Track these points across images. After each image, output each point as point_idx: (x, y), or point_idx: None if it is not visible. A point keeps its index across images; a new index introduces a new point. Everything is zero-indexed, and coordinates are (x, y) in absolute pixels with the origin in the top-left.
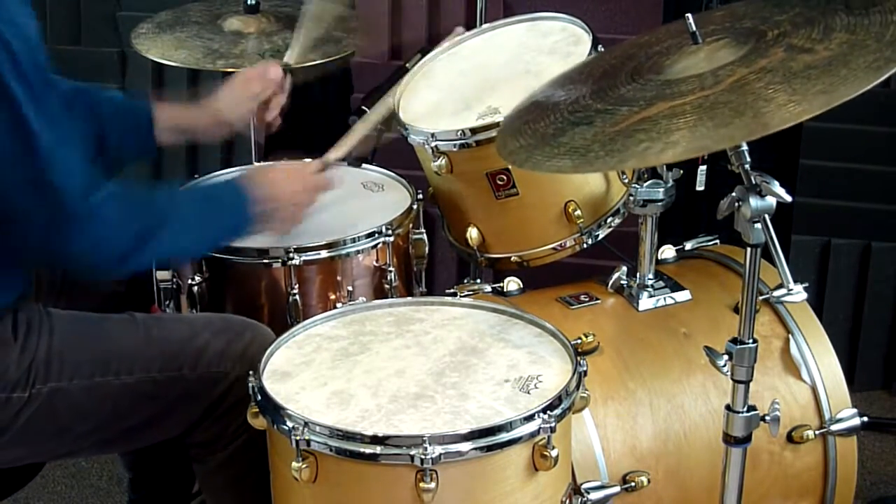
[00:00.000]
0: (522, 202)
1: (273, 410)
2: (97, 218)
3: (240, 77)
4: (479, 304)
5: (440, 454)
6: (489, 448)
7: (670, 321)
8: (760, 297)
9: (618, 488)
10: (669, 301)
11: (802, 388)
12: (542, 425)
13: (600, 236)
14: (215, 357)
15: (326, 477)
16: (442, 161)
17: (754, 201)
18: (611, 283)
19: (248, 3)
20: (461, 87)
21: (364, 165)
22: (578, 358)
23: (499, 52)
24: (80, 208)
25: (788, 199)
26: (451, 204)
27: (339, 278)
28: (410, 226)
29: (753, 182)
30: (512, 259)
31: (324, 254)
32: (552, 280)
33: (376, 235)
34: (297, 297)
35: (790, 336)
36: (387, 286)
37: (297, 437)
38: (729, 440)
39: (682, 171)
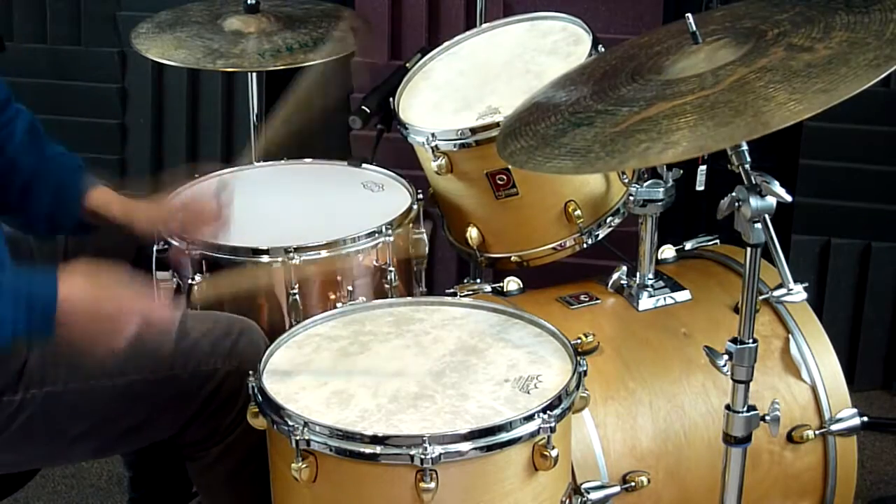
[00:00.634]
0: (522, 202)
1: (273, 410)
2: None
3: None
4: (479, 304)
5: (440, 454)
6: (489, 448)
7: (670, 321)
8: (760, 297)
9: (618, 488)
10: (669, 301)
11: (802, 388)
12: (542, 425)
13: (600, 236)
14: (206, 355)
15: (326, 477)
16: (442, 161)
17: (754, 201)
18: (611, 283)
19: (248, 2)
20: (461, 86)
21: (364, 165)
22: (578, 358)
23: (499, 51)
24: None
25: (788, 198)
26: (451, 204)
27: (339, 278)
28: (410, 226)
29: (753, 182)
30: (512, 259)
31: (324, 254)
32: (552, 280)
33: (376, 235)
34: (297, 297)
35: (790, 336)
36: (387, 286)
37: (297, 437)
38: (729, 440)
39: (682, 171)
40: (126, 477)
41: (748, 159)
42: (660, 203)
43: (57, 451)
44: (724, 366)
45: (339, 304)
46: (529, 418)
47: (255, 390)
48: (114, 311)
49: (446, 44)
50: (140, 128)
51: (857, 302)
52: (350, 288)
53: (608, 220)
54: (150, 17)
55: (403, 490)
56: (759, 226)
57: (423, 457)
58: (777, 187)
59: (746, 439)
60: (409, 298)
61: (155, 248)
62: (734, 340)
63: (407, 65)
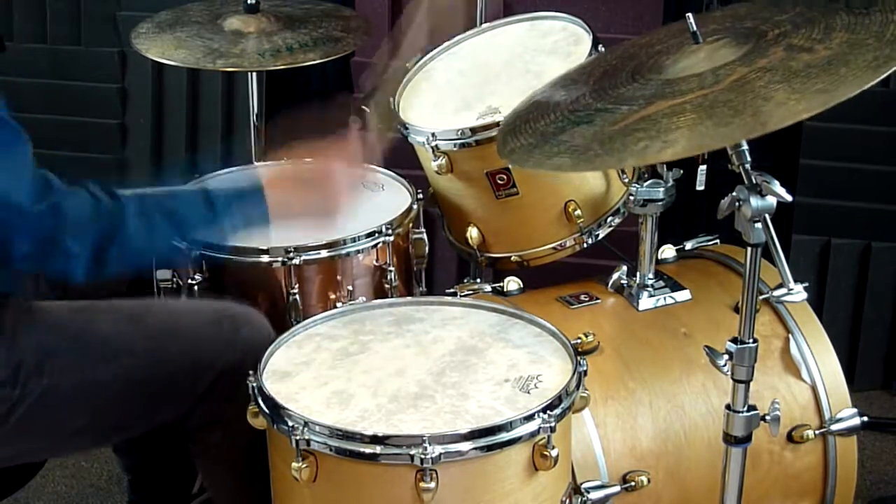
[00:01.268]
0: (522, 202)
1: (273, 410)
2: (49, 216)
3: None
4: (479, 304)
5: (440, 454)
6: (489, 448)
7: (670, 321)
8: (760, 297)
9: (618, 488)
10: (669, 301)
11: (802, 388)
12: (542, 425)
13: (600, 236)
14: (207, 342)
15: (326, 477)
16: (442, 161)
17: (754, 201)
18: (611, 282)
19: (248, 2)
20: (461, 86)
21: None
22: (578, 357)
23: (499, 51)
24: (28, 208)
25: (789, 198)
26: (451, 204)
27: (339, 278)
28: (410, 225)
29: (754, 182)
30: (512, 259)
31: (324, 253)
32: (552, 280)
33: (376, 235)
34: (297, 296)
35: (790, 336)
36: (387, 286)
37: (297, 437)
38: (729, 440)
39: (682, 171)
40: (125, 479)
41: (748, 159)
42: (660, 203)
43: (57, 442)
44: (725, 366)
45: (339, 304)
46: (529, 418)
47: (255, 390)
48: (321, 190)
49: (446, 44)
50: (140, 128)
51: (857, 302)
52: (350, 288)
53: (608, 220)
54: (150, 17)
55: (403, 490)
56: (759, 226)
57: (423, 457)
58: (777, 187)
59: (746, 439)
60: (409, 298)
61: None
62: (734, 340)
63: (407, 65)
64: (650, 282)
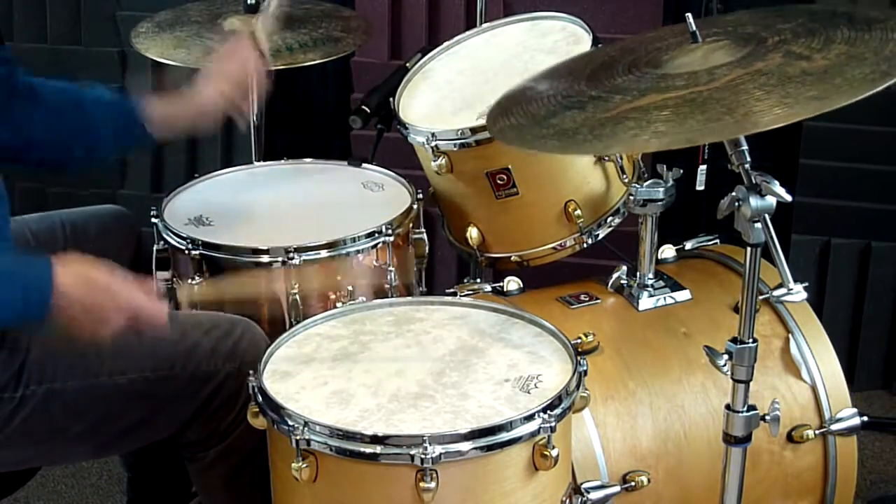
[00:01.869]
0: (522, 202)
1: (273, 410)
2: None
3: (216, 61)
4: (479, 304)
5: (440, 454)
6: (489, 448)
7: (670, 321)
8: (760, 297)
9: (618, 488)
10: (669, 301)
11: (802, 388)
12: (543, 425)
13: (600, 236)
14: (206, 355)
15: (327, 477)
16: (442, 161)
17: (754, 201)
18: (611, 282)
19: (248, 2)
20: (461, 86)
21: (364, 165)
22: (578, 357)
23: (498, 51)
24: None
25: (788, 198)
26: (451, 204)
27: (339, 278)
28: (410, 225)
29: (753, 182)
30: (512, 259)
31: (324, 254)
32: (552, 280)
33: (376, 235)
34: (297, 297)
35: (790, 336)
36: (387, 286)
37: (297, 437)
38: (729, 440)
39: (682, 171)
40: (125, 477)
41: (748, 159)
42: (660, 203)
43: (57, 449)
44: (724, 366)
45: (339, 304)
46: (530, 418)
47: (256, 390)
48: (105, 301)
49: (446, 44)
50: None
51: (857, 302)
52: (350, 288)
53: (608, 220)
54: (150, 16)
55: (403, 490)
56: (759, 225)
57: (423, 456)
58: (777, 187)
59: (746, 439)
60: (409, 298)
61: (155, 247)
62: (734, 340)
63: (407, 65)
64: (650, 282)
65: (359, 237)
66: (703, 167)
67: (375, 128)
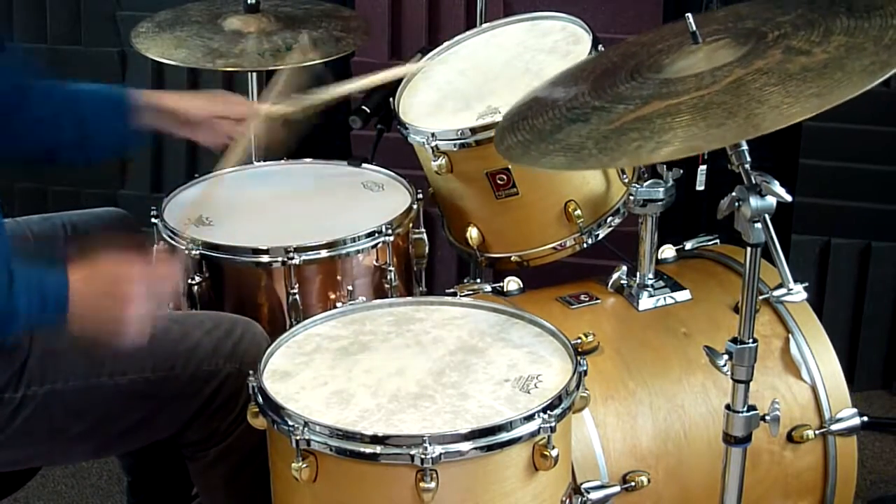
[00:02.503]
0: (522, 202)
1: (273, 410)
2: None
3: (217, 95)
4: (479, 304)
5: (440, 454)
6: (489, 448)
7: (670, 321)
8: (760, 297)
9: (618, 488)
10: (669, 301)
11: (802, 388)
12: (542, 425)
13: (600, 236)
14: (206, 355)
15: (327, 477)
16: (442, 161)
17: (754, 201)
18: (611, 282)
19: (248, 2)
20: (461, 86)
21: (364, 165)
22: (578, 357)
23: (499, 51)
24: None
25: (788, 198)
26: (451, 204)
27: (339, 278)
28: (410, 226)
29: (753, 182)
30: (512, 259)
31: (324, 254)
32: (552, 280)
33: (376, 235)
34: (297, 297)
35: (790, 336)
36: (387, 286)
37: (298, 437)
38: (729, 440)
39: (682, 171)
40: (125, 480)
41: (748, 159)
42: (660, 203)
43: (58, 449)
44: (724, 366)
45: (339, 304)
46: (530, 418)
47: (255, 390)
48: (121, 291)
49: (446, 44)
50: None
51: (857, 302)
52: (350, 288)
53: (608, 220)
54: (150, 16)
55: (404, 490)
56: (759, 226)
57: (423, 456)
58: (777, 187)
59: (746, 439)
60: (409, 298)
61: (155, 248)
62: (734, 340)
63: (407, 64)
64: (650, 282)
65: (359, 237)
66: (703, 167)
67: (375, 128)
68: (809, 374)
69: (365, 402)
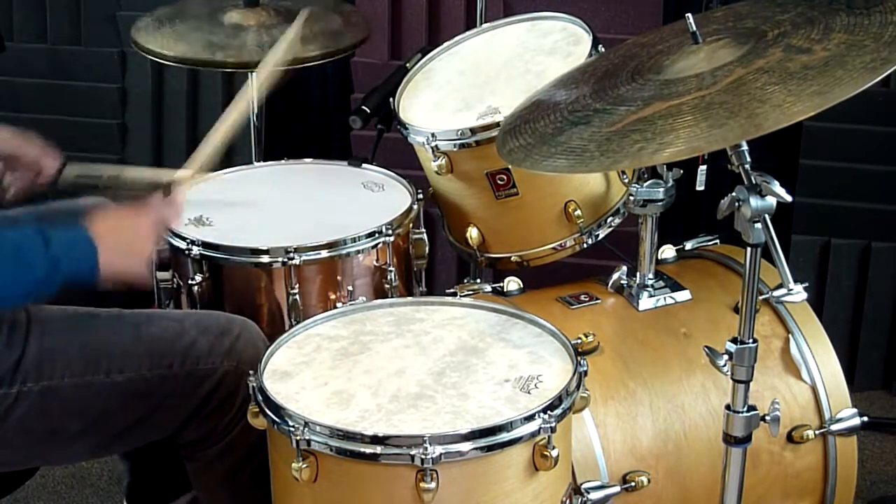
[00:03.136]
0: (522, 202)
1: (273, 410)
2: None
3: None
4: (479, 304)
5: (440, 454)
6: (489, 448)
7: (670, 321)
8: (760, 297)
9: (618, 488)
10: (669, 301)
11: (802, 388)
12: (543, 425)
13: (600, 236)
14: (204, 354)
15: (327, 477)
16: (442, 161)
17: (754, 201)
18: (611, 283)
19: None
20: (461, 86)
21: (364, 165)
22: (578, 358)
23: (499, 51)
24: None
25: (788, 199)
26: (451, 204)
27: (339, 278)
28: (410, 226)
29: (753, 182)
30: (512, 259)
31: (324, 254)
32: (552, 280)
33: (376, 235)
34: (297, 297)
35: (790, 336)
36: (387, 286)
37: (298, 437)
38: (729, 440)
39: (682, 171)
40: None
41: (748, 159)
42: (660, 203)
43: (55, 448)
44: (724, 366)
45: (339, 304)
46: (530, 418)
47: (256, 390)
48: (135, 224)
49: (446, 44)
50: (140, 128)
51: (857, 302)
52: (350, 288)
53: (608, 220)
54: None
55: (404, 490)
56: (759, 226)
57: (423, 457)
58: (777, 187)
59: (746, 439)
60: (409, 298)
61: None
62: (734, 340)
63: (407, 65)
64: (650, 282)
65: (359, 237)
66: (703, 167)
67: (375, 128)
68: (809, 375)
69: (365, 402)
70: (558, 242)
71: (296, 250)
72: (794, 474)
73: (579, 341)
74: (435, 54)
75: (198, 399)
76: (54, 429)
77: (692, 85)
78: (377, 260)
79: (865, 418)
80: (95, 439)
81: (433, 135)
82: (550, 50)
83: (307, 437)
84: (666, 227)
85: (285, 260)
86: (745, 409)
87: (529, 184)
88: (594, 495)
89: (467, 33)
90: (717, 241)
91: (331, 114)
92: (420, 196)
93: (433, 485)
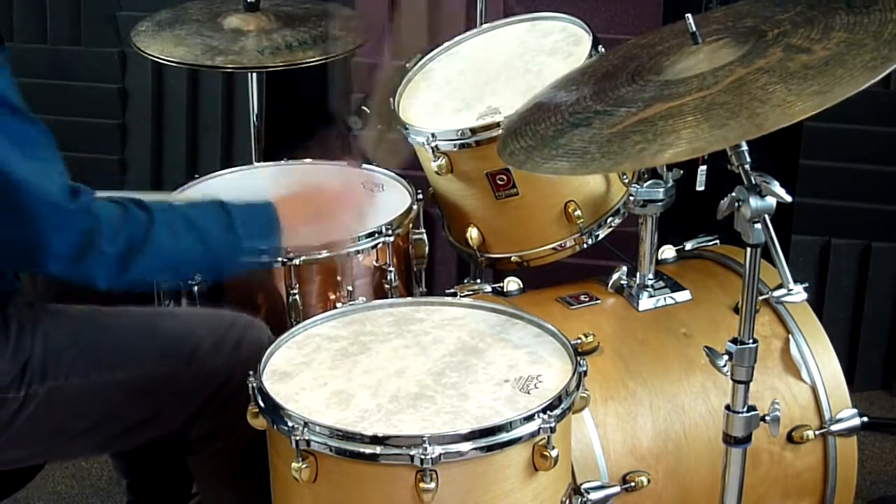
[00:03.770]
0: (522, 202)
1: (273, 410)
2: (85, 214)
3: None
4: (479, 304)
5: (440, 454)
6: (489, 448)
7: (670, 321)
8: (760, 297)
9: (618, 488)
10: (669, 301)
11: (802, 388)
12: (542, 425)
13: (600, 236)
14: (209, 352)
15: (326, 477)
16: (442, 161)
17: (754, 201)
18: (611, 283)
19: (248, 0)
20: (461, 86)
21: (364, 165)
22: (578, 358)
23: (499, 52)
24: (65, 206)
25: (788, 199)
26: (451, 204)
27: (339, 278)
28: (410, 226)
29: (753, 182)
30: (512, 259)
31: (324, 254)
32: (552, 280)
33: (376, 235)
34: (297, 297)
35: (790, 336)
36: (387, 286)
37: (297, 438)
38: (729, 440)
39: (682, 172)
40: (124, 481)
41: (748, 159)
42: (660, 203)
43: (60, 446)
44: (724, 366)
45: (339, 304)
46: (529, 418)
47: (255, 390)
48: (325, 205)
49: (446, 44)
50: (140, 128)
51: (857, 302)
52: (350, 288)
53: (608, 221)
54: (151, 15)
55: (403, 490)
56: (759, 226)
57: (423, 457)
58: (777, 187)
59: (746, 439)
60: (409, 298)
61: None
62: (734, 341)
63: (407, 65)
64: (650, 282)
65: (359, 237)
66: (703, 168)
67: (376, 128)
68: (809, 375)
69: (365, 402)
70: (558, 242)
71: (296, 250)
72: (794, 474)
73: (579, 341)
74: (435, 54)
75: (203, 397)
76: (60, 428)
77: (693, 85)
78: (377, 260)
79: (865, 418)
80: (100, 436)
81: (433, 135)
82: (550, 50)
83: (307, 438)
84: (666, 227)
85: (285, 260)
86: (745, 409)
87: (529, 184)
88: (594, 495)
89: (467, 33)
90: (717, 241)
91: (331, 114)
92: (420, 196)
93: (433, 485)
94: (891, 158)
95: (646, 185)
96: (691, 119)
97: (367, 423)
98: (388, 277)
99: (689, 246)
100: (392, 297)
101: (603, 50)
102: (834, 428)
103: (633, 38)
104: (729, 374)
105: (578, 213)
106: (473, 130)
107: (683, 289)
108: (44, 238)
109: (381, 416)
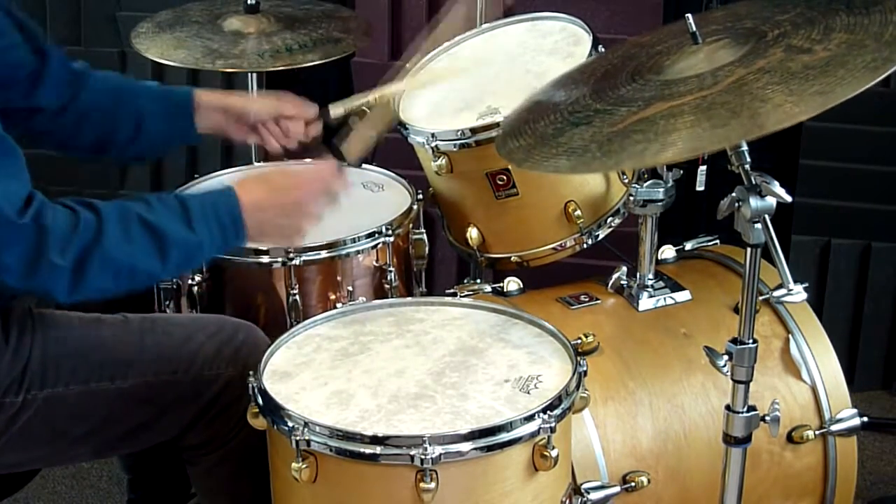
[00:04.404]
0: (522, 202)
1: (273, 410)
2: (33, 227)
3: (283, 96)
4: (479, 304)
5: (440, 454)
6: (489, 448)
7: (670, 321)
8: (760, 297)
9: (618, 488)
10: (669, 301)
11: (802, 388)
12: (542, 425)
13: (600, 236)
14: (208, 359)
15: (326, 477)
16: (442, 161)
17: (754, 201)
18: (611, 283)
19: (248, 3)
20: (461, 86)
21: (364, 165)
22: (578, 358)
23: (499, 52)
24: (14, 220)
25: (788, 199)
26: (451, 204)
27: (339, 278)
28: (410, 226)
29: (753, 182)
30: (512, 259)
31: (324, 254)
32: (552, 280)
33: (376, 235)
34: (297, 297)
35: (790, 336)
36: (387, 286)
37: (297, 438)
38: (729, 440)
39: (682, 172)
40: (125, 479)
41: (748, 159)
42: (660, 203)
43: (58, 451)
44: (724, 366)
45: (339, 304)
46: (530, 418)
47: (256, 390)
48: (296, 197)
49: (446, 44)
50: None
51: (857, 302)
52: (350, 288)
53: (608, 221)
54: (151, 17)
55: (403, 490)
56: (759, 226)
57: (423, 457)
58: (777, 187)
59: (746, 439)
60: (409, 298)
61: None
62: (734, 341)
63: (407, 65)
64: (650, 282)
65: (359, 237)
66: (703, 168)
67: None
68: (809, 375)
69: (365, 402)
70: (558, 242)
71: (296, 250)
72: (794, 474)
73: (579, 341)
74: (435, 54)
75: (202, 404)
76: (58, 433)
77: (693, 85)
78: (377, 260)
79: (865, 418)
80: (98, 442)
81: (433, 135)
82: (550, 50)
83: (307, 438)
84: (666, 227)
85: (285, 260)
86: (745, 409)
87: (529, 184)
88: (594, 495)
89: (467, 33)
90: (717, 241)
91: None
92: (420, 196)
93: (433, 485)
94: (891, 158)
95: (646, 185)
96: (692, 118)
97: (367, 423)
98: (388, 277)
99: (689, 246)
100: (392, 297)
101: (603, 50)
102: (834, 428)
103: (632, 38)
104: (729, 374)
105: (578, 213)
106: (473, 130)
107: (683, 289)
108: None
109: (382, 417)
